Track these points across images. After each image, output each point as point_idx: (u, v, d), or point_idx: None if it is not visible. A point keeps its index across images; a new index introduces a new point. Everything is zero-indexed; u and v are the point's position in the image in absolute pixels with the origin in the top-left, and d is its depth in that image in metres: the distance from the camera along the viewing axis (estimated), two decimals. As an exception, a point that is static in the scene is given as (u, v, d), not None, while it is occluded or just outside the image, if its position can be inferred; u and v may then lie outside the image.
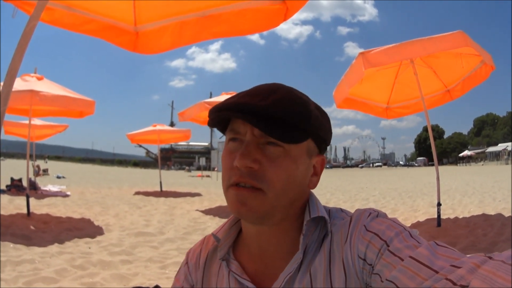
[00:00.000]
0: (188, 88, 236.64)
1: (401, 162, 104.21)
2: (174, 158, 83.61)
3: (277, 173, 0.55)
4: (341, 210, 0.63)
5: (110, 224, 5.43)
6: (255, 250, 0.63)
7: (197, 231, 5.07)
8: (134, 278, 3.03)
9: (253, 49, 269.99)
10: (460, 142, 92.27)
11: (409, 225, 5.12)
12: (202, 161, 38.82)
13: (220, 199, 9.09)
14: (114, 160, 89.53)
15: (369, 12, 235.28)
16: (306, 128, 0.57)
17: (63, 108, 6.43)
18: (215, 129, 0.64)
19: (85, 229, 4.93)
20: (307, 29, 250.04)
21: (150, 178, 23.28)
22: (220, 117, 0.58)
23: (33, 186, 9.64)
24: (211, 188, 14.13)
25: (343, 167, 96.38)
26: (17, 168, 19.35)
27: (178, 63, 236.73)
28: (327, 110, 0.66)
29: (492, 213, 5.73)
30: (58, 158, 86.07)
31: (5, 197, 7.91)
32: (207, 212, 6.93)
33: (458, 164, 68.12)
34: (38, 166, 17.41)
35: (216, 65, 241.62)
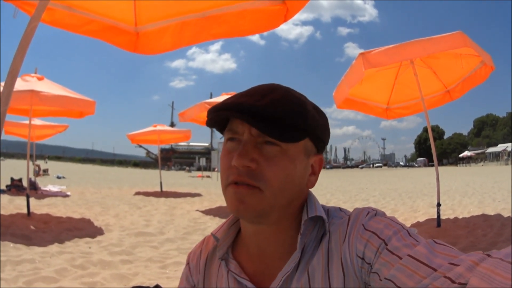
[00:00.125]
0: (188, 88, 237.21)
1: (401, 163, 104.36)
2: (174, 158, 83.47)
3: (274, 172, 0.56)
4: (340, 209, 0.63)
5: (110, 224, 5.43)
6: (253, 249, 0.63)
7: (197, 231, 5.07)
8: (134, 278, 3.03)
9: (254, 50, 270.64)
10: (460, 142, 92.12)
11: (409, 225, 5.09)
12: (202, 162, 38.78)
13: (220, 200, 9.07)
14: (114, 161, 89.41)
15: (369, 12, 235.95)
16: (303, 128, 0.57)
17: (63, 108, 6.44)
18: (215, 130, 0.65)
19: (85, 229, 4.93)
20: (307, 30, 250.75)
21: (150, 178, 23.24)
22: (219, 116, 0.58)
23: (33, 186, 9.65)
24: (211, 188, 14.11)
25: (343, 167, 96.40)
26: (17, 168, 19.38)
27: (178, 63, 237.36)
28: (327, 110, 0.67)
29: (492, 213, 5.72)
30: (58, 158, 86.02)
31: (5, 197, 7.91)
32: (207, 212, 6.94)
33: (458, 165, 68.09)
34: (38, 166, 17.41)
35: (216, 66, 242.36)
